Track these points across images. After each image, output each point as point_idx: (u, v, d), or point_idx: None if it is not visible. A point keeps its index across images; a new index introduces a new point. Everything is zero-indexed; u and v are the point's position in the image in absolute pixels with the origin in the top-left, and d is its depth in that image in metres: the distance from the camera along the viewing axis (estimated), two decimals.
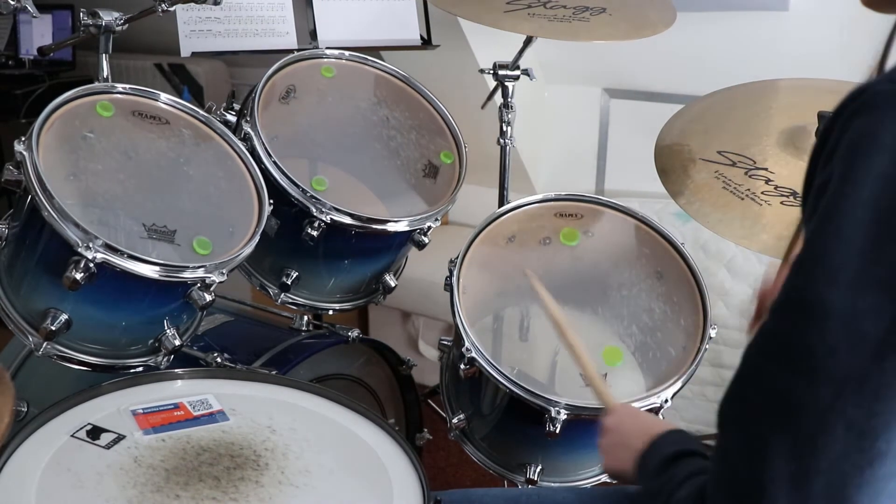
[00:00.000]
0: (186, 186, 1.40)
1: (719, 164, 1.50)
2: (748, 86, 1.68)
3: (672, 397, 1.34)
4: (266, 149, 1.47)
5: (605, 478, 1.48)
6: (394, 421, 1.83)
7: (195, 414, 1.20)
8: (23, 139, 1.22)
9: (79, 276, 1.17)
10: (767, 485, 0.58)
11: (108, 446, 1.09)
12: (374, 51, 2.05)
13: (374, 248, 1.62)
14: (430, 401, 2.17)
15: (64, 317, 1.25)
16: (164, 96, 1.41)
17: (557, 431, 1.30)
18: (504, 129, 1.95)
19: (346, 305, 1.70)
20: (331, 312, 1.70)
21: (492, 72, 1.94)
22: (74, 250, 1.17)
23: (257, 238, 1.34)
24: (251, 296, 2.14)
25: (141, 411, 1.18)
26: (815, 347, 0.58)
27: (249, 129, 1.48)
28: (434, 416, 2.09)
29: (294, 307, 1.66)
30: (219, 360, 1.55)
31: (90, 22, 1.49)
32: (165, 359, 1.37)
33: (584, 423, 1.32)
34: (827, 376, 0.57)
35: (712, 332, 1.41)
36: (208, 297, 1.28)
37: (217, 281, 1.28)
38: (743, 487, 0.60)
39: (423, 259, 1.78)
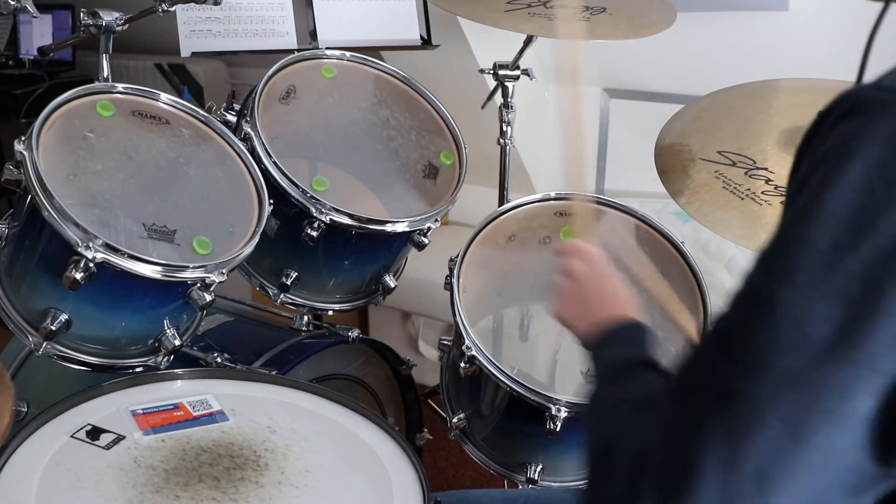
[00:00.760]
0: (186, 186, 1.40)
1: (719, 163, 1.50)
2: (748, 86, 1.68)
3: None
4: (266, 149, 1.46)
5: None
6: (394, 421, 1.83)
7: (195, 414, 1.20)
8: (23, 139, 1.22)
9: (79, 275, 1.17)
10: (698, 461, 0.59)
11: (107, 447, 1.09)
12: (374, 51, 2.05)
13: (374, 248, 1.62)
14: (430, 401, 2.16)
15: (64, 317, 1.25)
16: (164, 96, 1.41)
17: (558, 430, 1.30)
18: (504, 129, 1.95)
19: (345, 306, 1.70)
20: (330, 313, 1.70)
21: (492, 72, 1.94)
22: (74, 250, 1.17)
23: (257, 238, 1.34)
24: (251, 296, 2.14)
25: (141, 411, 1.18)
26: (761, 342, 0.59)
27: (249, 130, 1.47)
28: (434, 416, 2.08)
29: (294, 307, 1.65)
30: (219, 360, 1.55)
31: (90, 22, 1.48)
32: (165, 359, 1.36)
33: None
34: (768, 371, 0.58)
35: None
36: (208, 297, 1.28)
37: (217, 281, 1.28)
38: (675, 459, 0.61)
39: (422, 259, 1.78)
